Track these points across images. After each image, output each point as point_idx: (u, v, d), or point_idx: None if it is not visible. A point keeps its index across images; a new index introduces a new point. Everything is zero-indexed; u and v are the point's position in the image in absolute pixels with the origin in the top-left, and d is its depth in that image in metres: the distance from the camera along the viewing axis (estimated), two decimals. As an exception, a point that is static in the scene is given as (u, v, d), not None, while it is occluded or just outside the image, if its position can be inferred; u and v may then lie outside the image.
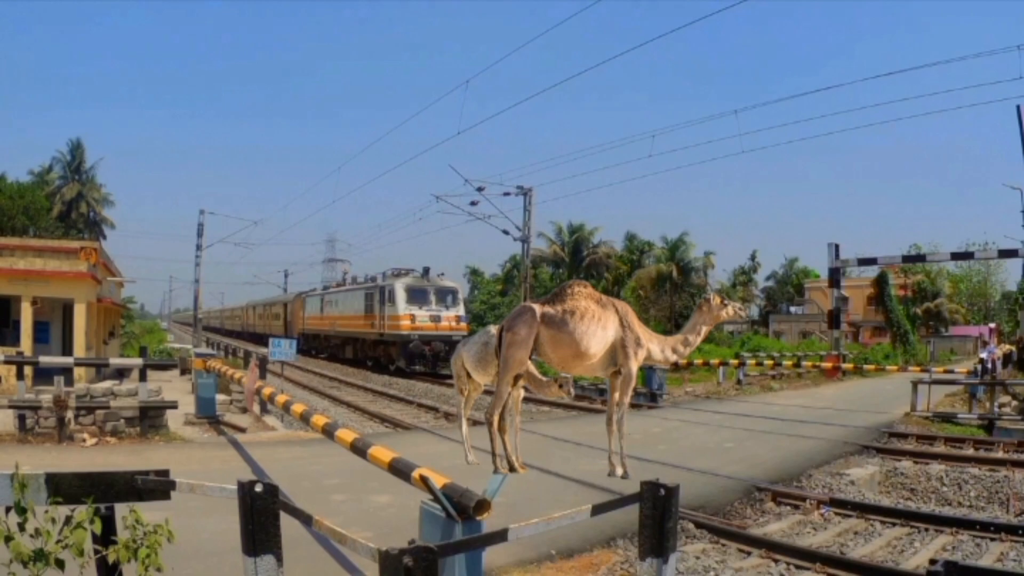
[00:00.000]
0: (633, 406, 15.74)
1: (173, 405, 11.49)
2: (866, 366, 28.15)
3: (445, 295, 30.67)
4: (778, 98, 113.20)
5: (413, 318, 29.15)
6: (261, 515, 3.22)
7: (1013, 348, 27.10)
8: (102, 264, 22.42)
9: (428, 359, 28.47)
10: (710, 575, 5.98)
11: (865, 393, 21.61)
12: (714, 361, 25.22)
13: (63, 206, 51.20)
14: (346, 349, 36.41)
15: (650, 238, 52.19)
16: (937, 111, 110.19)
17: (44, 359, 14.15)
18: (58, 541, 2.95)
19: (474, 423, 10.58)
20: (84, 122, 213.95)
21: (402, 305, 29.25)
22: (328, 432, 6.20)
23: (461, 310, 31.37)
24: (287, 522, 3.36)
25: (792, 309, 62.94)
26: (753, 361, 26.18)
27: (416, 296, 29.72)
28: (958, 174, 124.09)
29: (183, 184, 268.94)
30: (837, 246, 28.22)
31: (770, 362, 27.54)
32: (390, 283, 30.30)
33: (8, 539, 2.88)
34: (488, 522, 3.70)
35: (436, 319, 29.60)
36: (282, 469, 8.68)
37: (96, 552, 3.12)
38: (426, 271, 30.96)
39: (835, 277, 28.51)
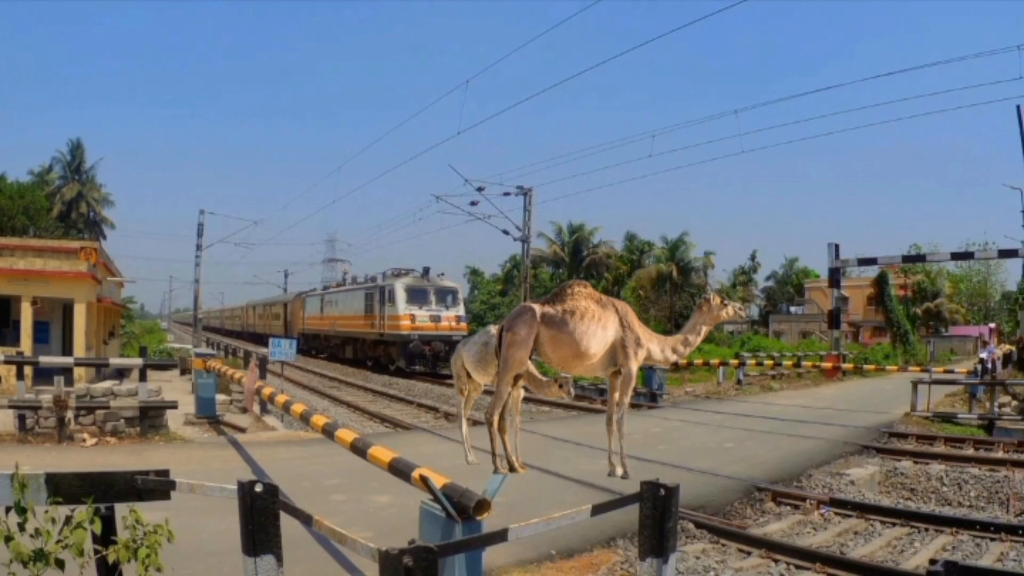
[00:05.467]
0: (633, 406, 15.74)
1: (173, 405, 11.49)
2: (866, 366, 28.15)
3: (445, 295, 30.66)
4: (778, 98, 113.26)
5: (413, 318, 29.14)
6: (261, 515, 3.22)
7: (1013, 348, 27.11)
8: (102, 264, 22.42)
9: (428, 359, 28.45)
10: (710, 575, 5.98)
11: (865, 393, 21.61)
12: (714, 361, 25.22)
13: (63, 206, 51.19)
14: (346, 349, 36.41)
15: (650, 238, 52.24)
16: (937, 111, 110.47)
17: (44, 359, 14.15)
18: (58, 541, 2.95)
19: (474, 423, 10.58)
20: (84, 122, 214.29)
21: (402, 305, 29.25)
22: (328, 432, 6.21)
23: (461, 310, 31.36)
24: (287, 522, 3.36)
25: (792, 309, 62.95)
26: (753, 361, 26.18)
27: (416, 296, 29.71)
28: (958, 174, 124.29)
29: (183, 184, 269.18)
30: (837, 246, 28.22)
31: (770, 362, 27.53)
32: (390, 283, 30.29)
33: (8, 539, 2.88)
34: (488, 522, 3.70)
35: (436, 319, 29.59)
36: (282, 469, 8.68)
37: (96, 552, 3.12)
38: (426, 271, 30.95)
39: (835, 277, 28.52)
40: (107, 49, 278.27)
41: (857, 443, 12.23)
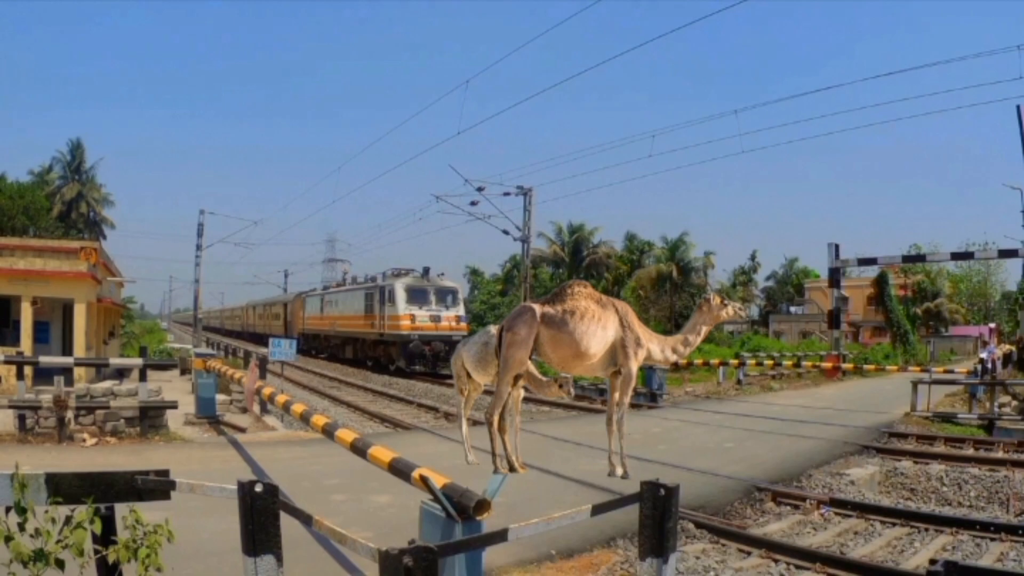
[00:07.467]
0: (633, 406, 15.74)
1: (173, 405, 11.49)
2: (866, 366, 28.14)
3: (445, 295, 30.65)
4: (778, 98, 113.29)
5: (413, 318, 29.13)
6: (261, 515, 3.22)
7: (1013, 348, 27.11)
8: (102, 264, 22.42)
9: (428, 359, 28.42)
10: (710, 575, 5.98)
11: (865, 393, 21.61)
12: (714, 361, 25.22)
13: (63, 206, 51.20)
14: (346, 349, 36.41)
15: (650, 238, 52.25)
16: (937, 111, 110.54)
17: (44, 359, 14.15)
18: (58, 541, 2.95)
19: (474, 423, 10.58)
20: (84, 122, 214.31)
21: (402, 305, 29.24)
22: (328, 432, 6.21)
23: (461, 310, 31.35)
24: (287, 522, 3.36)
25: (792, 309, 62.96)
26: (753, 361, 26.17)
27: (416, 296, 29.70)
28: (958, 174, 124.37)
29: (183, 184, 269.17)
30: (837, 246, 28.22)
31: (770, 362, 27.52)
32: (390, 283, 30.29)
33: (8, 539, 2.88)
34: (488, 522, 3.70)
35: (436, 319, 29.58)
36: (282, 469, 8.68)
37: (96, 552, 3.12)
38: (426, 271, 30.94)
39: (835, 277, 28.52)
40: (107, 49, 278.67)
41: (857, 443, 12.23)
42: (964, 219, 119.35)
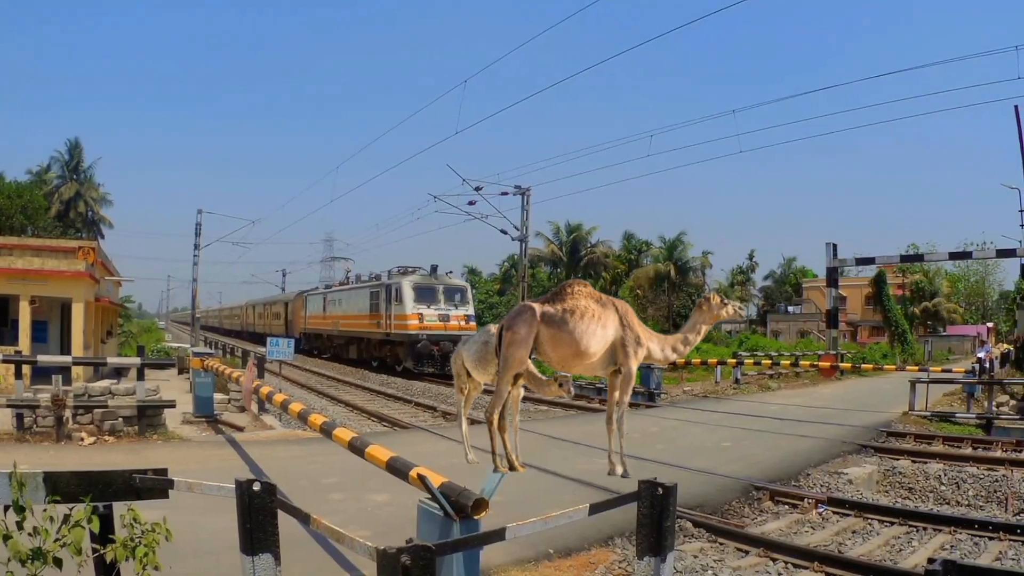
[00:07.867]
0: (631, 405, 15.71)
1: (171, 404, 11.48)
2: (863, 365, 28.18)
3: (453, 294, 29.96)
4: (777, 98, 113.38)
5: (421, 317, 28.37)
6: (259, 514, 3.23)
7: (1010, 347, 27.16)
8: (100, 263, 22.41)
9: (437, 359, 27.62)
10: (708, 574, 5.98)
11: (863, 392, 21.63)
12: (712, 360, 25.21)
13: (61, 205, 51.15)
14: (350, 349, 35.79)
15: (648, 238, 52.45)
16: (936, 111, 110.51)
17: (42, 358, 14.12)
18: (56, 540, 2.95)
19: (473, 422, 10.58)
20: (83, 122, 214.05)
21: (410, 304, 28.51)
22: (326, 431, 6.21)
23: (470, 309, 30.45)
24: (285, 521, 3.36)
25: (790, 308, 63.03)
26: (751, 360, 26.17)
27: (424, 295, 29.01)
28: (957, 174, 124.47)
29: (181, 184, 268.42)
30: (835, 245, 28.22)
31: (767, 361, 27.52)
32: (397, 281, 29.55)
33: (6, 538, 2.88)
34: (486, 521, 3.71)
35: (445, 318, 28.80)
36: (280, 468, 8.68)
37: (94, 551, 3.12)
38: (434, 269, 30.31)
39: (833, 277, 28.53)
40: (107, 49, 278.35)
41: (855, 442, 12.24)
42: (962, 219, 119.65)
